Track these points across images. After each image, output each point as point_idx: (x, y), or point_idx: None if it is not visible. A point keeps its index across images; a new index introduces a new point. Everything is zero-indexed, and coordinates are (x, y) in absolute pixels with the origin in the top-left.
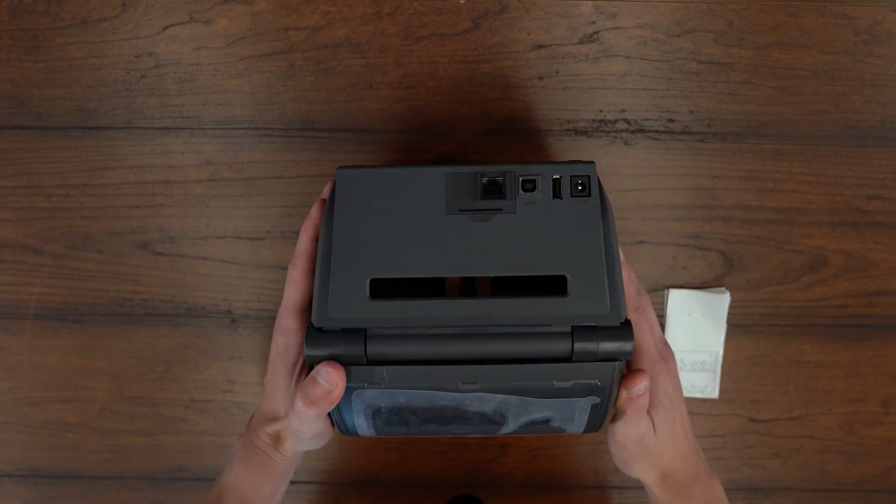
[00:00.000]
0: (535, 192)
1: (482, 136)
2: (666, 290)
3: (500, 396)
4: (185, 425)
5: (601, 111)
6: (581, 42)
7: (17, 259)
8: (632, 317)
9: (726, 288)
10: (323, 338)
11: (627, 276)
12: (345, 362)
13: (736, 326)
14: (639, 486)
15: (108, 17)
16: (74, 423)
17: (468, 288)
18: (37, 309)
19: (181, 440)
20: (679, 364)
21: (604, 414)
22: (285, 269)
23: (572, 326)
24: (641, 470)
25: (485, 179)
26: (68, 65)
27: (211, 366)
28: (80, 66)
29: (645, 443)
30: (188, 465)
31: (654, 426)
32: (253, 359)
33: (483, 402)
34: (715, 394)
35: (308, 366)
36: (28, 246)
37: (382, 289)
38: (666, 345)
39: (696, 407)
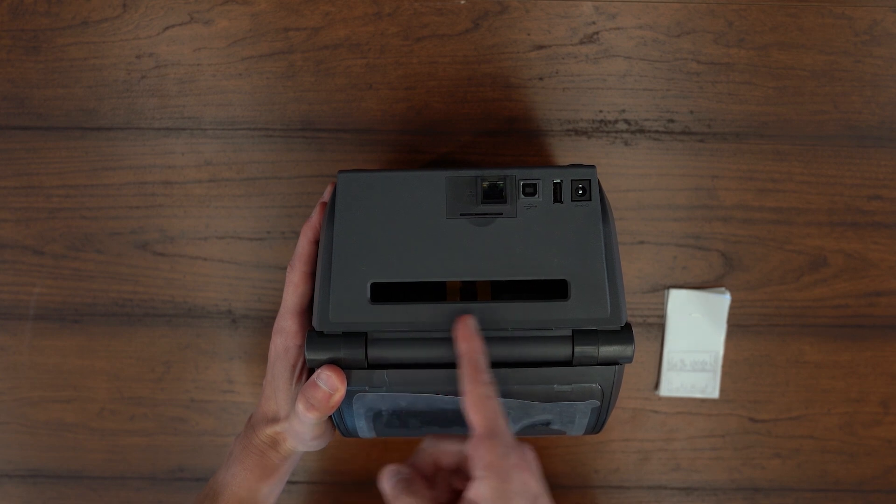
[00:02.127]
0: (536, 196)
1: (482, 137)
2: (666, 291)
3: (501, 399)
4: (185, 425)
5: (601, 111)
6: (581, 42)
7: (17, 259)
8: (480, 395)
9: (726, 288)
10: (324, 342)
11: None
12: (346, 366)
13: (736, 326)
14: (639, 486)
15: (108, 17)
16: (74, 423)
17: (469, 292)
18: (37, 309)
19: (181, 440)
20: (679, 364)
21: (604, 417)
22: (285, 269)
23: (573, 330)
24: None
25: (485, 183)
26: (69, 65)
27: (211, 366)
28: (80, 66)
29: None
30: (188, 465)
31: None
32: (253, 359)
33: None
34: (715, 394)
35: (308, 368)
36: (28, 246)
37: (383, 293)
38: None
39: (696, 407)
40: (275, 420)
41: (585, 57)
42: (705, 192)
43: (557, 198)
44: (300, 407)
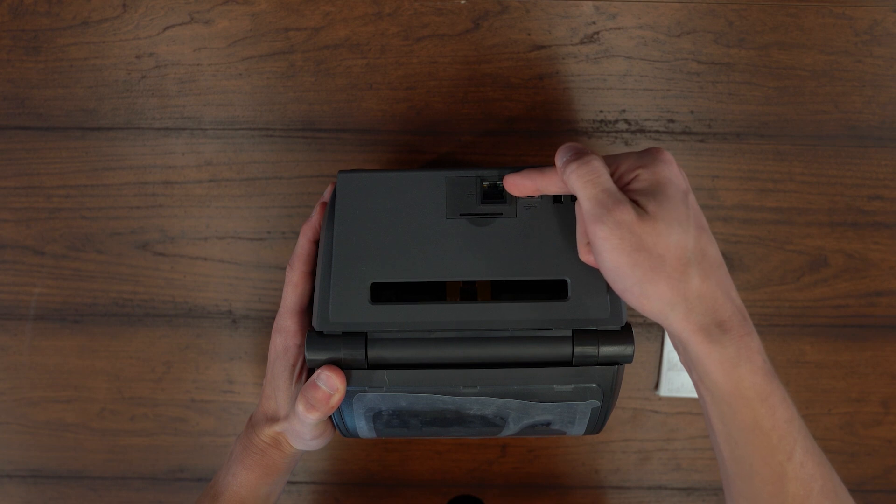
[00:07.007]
0: (536, 196)
1: (482, 137)
2: None
3: (501, 400)
4: (185, 425)
5: (601, 111)
6: (581, 42)
7: (18, 259)
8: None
9: None
10: (324, 342)
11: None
12: (346, 366)
13: None
14: (640, 486)
15: (108, 17)
16: (74, 424)
17: (469, 292)
18: (37, 309)
19: (181, 440)
20: (679, 364)
21: (604, 417)
22: (286, 269)
23: (573, 330)
24: (658, 296)
25: (485, 183)
26: (69, 65)
27: (211, 366)
28: (80, 66)
29: (637, 233)
30: (188, 465)
31: (646, 209)
32: (253, 359)
33: (484, 405)
34: None
35: (308, 367)
36: (28, 246)
37: (383, 293)
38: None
39: (697, 407)
40: (275, 419)
41: (585, 57)
42: (706, 192)
43: (557, 198)
44: (300, 407)
